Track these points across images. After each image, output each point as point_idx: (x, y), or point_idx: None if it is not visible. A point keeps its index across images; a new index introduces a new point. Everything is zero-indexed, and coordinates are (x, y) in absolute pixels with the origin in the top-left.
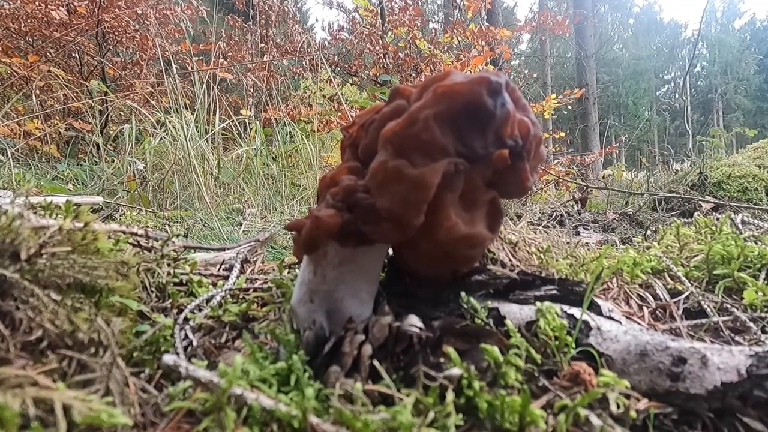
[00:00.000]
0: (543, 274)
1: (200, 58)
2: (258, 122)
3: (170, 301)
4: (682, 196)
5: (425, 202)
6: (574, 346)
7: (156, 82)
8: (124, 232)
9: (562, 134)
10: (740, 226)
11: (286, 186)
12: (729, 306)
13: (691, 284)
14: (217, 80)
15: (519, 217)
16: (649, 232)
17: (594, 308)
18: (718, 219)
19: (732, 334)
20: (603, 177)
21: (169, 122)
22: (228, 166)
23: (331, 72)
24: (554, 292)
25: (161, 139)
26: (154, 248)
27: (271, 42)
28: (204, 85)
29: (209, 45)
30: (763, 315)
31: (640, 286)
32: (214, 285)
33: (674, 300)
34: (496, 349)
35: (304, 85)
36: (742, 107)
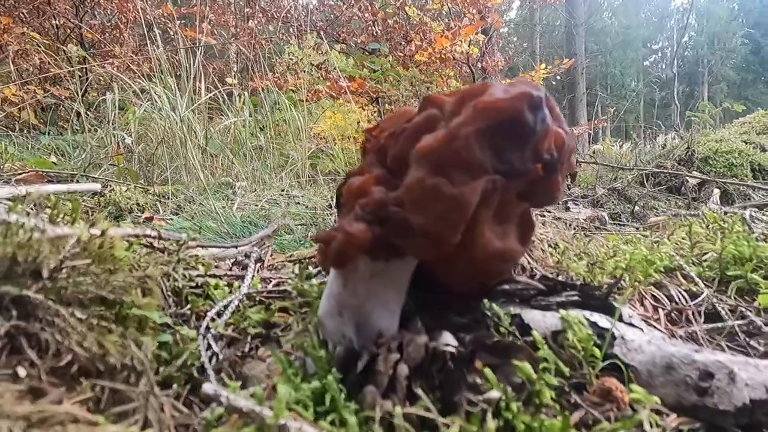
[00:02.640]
0: (561, 278)
1: (182, 22)
2: (246, 93)
3: (189, 307)
4: (670, 171)
5: (464, 222)
6: (601, 359)
7: (137, 47)
8: (137, 236)
9: None
10: (750, 223)
11: (274, 157)
12: (744, 309)
13: (705, 285)
14: (202, 47)
15: None
16: (637, 208)
17: (612, 313)
18: (726, 214)
19: (747, 339)
20: (593, 152)
21: (154, 92)
22: (215, 138)
23: (318, 39)
24: (575, 297)
25: (145, 109)
26: (167, 249)
27: (257, 6)
28: (188, 51)
29: (192, 8)
30: None
31: (654, 285)
32: (230, 287)
33: (691, 303)
34: (528, 366)
35: (289, 50)
36: (727, 78)
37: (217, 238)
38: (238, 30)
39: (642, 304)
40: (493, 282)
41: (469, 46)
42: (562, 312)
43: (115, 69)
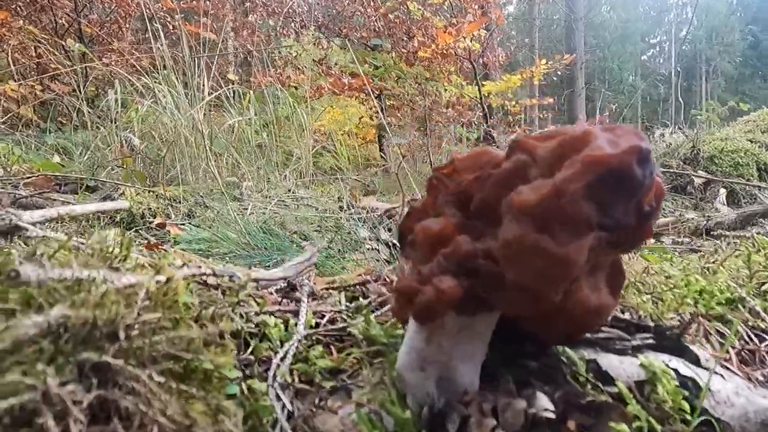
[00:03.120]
0: (628, 315)
1: (182, 16)
2: (251, 92)
3: (252, 353)
4: (676, 171)
5: (569, 281)
6: (694, 414)
7: (135, 41)
8: (194, 275)
9: (550, 100)
10: None
11: (278, 155)
12: None
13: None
14: (208, 43)
15: None
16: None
17: (689, 356)
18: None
19: None
20: None
21: (158, 91)
22: (221, 137)
23: (321, 34)
24: (650, 341)
25: (148, 107)
26: (221, 286)
27: (257, 0)
28: (190, 48)
29: (192, 3)
30: None
31: (718, 320)
32: (286, 324)
33: (765, 344)
34: (625, 428)
35: (287, 43)
36: (725, 73)
37: (237, 249)
38: (237, 24)
39: (708, 341)
40: (579, 336)
41: (471, 42)
42: (642, 358)
43: (114, 63)
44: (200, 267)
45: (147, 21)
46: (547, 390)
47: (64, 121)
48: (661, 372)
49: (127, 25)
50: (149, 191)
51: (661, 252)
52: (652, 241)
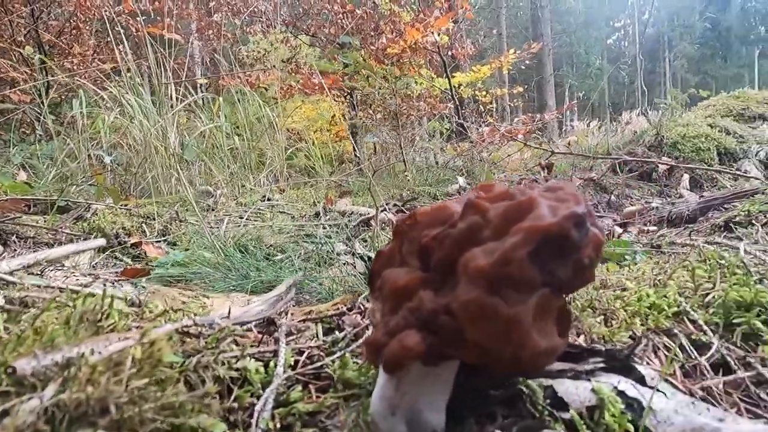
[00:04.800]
0: (583, 339)
1: (144, 18)
2: (220, 98)
3: (235, 400)
4: (642, 159)
5: (519, 337)
6: None
7: (96, 44)
8: (177, 330)
9: (521, 89)
10: (750, 265)
11: (251, 159)
12: (752, 361)
13: (713, 333)
14: (174, 46)
15: None
16: (613, 198)
17: (636, 376)
18: (720, 246)
19: (757, 390)
20: (568, 144)
21: (125, 100)
22: (192, 145)
23: (289, 33)
24: (601, 364)
25: (116, 116)
26: (202, 334)
27: (222, 1)
28: (155, 52)
29: (154, 4)
30: None
31: (665, 334)
32: (266, 366)
33: (704, 357)
34: None
35: (255, 39)
36: (686, 54)
37: (214, 271)
38: (202, 24)
39: (656, 356)
40: (533, 375)
41: (439, 36)
42: (594, 384)
43: (76, 68)
44: (181, 319)
45: (107, 24)
46: (505, 423)
47: (27, 131)
48: (608, 396)
49: (88, 28)
50: (123, 208)
51: (625, 246)
52: (620, 231)
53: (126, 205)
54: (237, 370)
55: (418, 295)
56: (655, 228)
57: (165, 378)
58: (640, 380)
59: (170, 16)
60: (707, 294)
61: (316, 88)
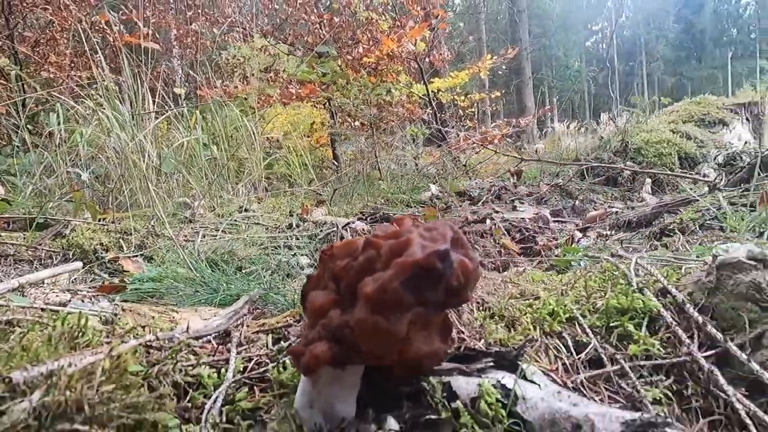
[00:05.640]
0: (482, 343)
1: (119, 28)
2: (197, 112)
3: (189, 401)
4: (606, 165)
5: (398, 346)
6: (506, 418)
7: (73, 53)
8: (142, 344)
9: (498, 93)
10: (633, 275)
11: (230, 170)
12: (618, 357)
13: (594, 335)
14: (152, 56)
15: (462, 194)
16: (577, 202)
17: (519, 372)
18: (621, 258)
19: (620, 382)
20: (536, 151)
21: (102, 113)
22: (169, 157)
23: (267, 42)
24: (491, 363)
25: (93, 129)
26: (164, 347)
27: (199, 11)
28: (131, 61)
29: (131, 15)
30: (641, 363)
31: (557, 336)
32: (218, 372)
33: (579, 354)
34: None
35: (236, 45)
36: (662, 56)
37: (185, 287)
38: (181, 32)
39: (546, 355)
40: (423, 373)
41: (415, 45)
42: (482, 379)
43: (53, 75)
44: (145, 336)
45: (82, 36)
46: (401, 412)
47: (4, 143)
48: (487, 389)
49: (65, 38)
50: (101, 224)
51: (575, 253)
52: (580, 235)
53: (104, 219)
54: (193, 376)
55: (329, 313)
56: (612, 232)
57: (130, 384)
58: (522, 376)
59: (148, 25)
60: (598, 301)
61: (293, 97)
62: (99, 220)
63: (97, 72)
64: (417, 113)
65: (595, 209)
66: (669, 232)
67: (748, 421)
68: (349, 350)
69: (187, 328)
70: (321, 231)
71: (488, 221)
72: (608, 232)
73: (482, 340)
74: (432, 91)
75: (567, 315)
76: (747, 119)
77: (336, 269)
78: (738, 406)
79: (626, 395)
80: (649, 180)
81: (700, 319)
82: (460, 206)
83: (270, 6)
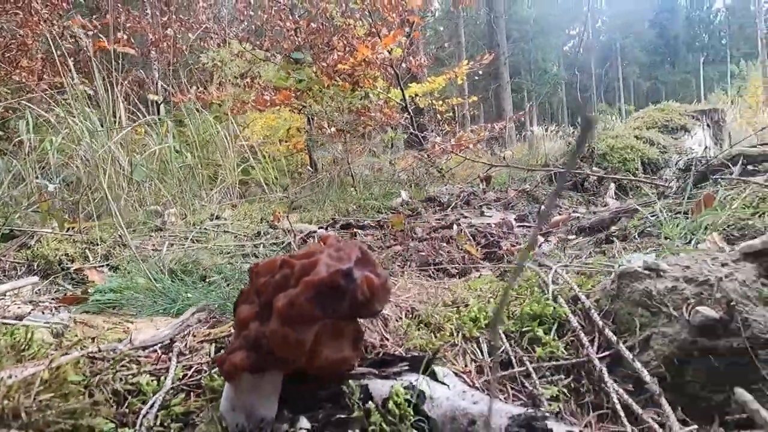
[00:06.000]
0: (403, 349)
1: (94, 33)
2: (168, 119)
3: (127, 407)
4: (572, 170)
5: (305, 352)
6: (413, 415)
7: (45, 59)
8: (84, 356)
9: (475, 98)
10: (550, 283)
11: (204, 177)
12: (525, 359)
13: (508, 339)
14: (130, 61)
15: (432, 200)
16: (543, 208)
17: (431, 374)
18: (542, 267)
19: (524, 381)
20: (503, 157)
21: (72, 122)
22: (141, 165)
23: (243, 48)
24: (407, 367)
25: (63, 137)
26: (106, 358)
27: (173, 17)
28: (101, 71)
29: (105, 21)
30: (545, 364)
31: (475, 341)
32: (158, 380)
33: (491, 358)
34: None
35: (213, 50)
36: (637, 60)
37: (144, 296)
38: (156, 37)
39: (463, 358)
40: (338, 378)
41: (390, 53)
42: (395, 381)
43: (24, 79)
44: (88, 347)
45: (50, 43)
46: (316, 413)
47: None
48: (397, 389)
49: (35, 44)
50: (68, 234)
51: (529, 258)
52: (542, 240)
53: (72, 229)
54: (133, 384)
55: (250, 325)
56: (573, 236)
57: (69, 392)
58: (434, 378)
59: (122, 30)
60: (516, 308)
61: (267, 104)
62: (66, 230)
63: (67, 79)
64: (395, 118)
65: (560, 214)
66: (614, 238)
67: (621, 411)
68: (265, 358)
69: (130, 339)
70: (287, 239)
71: (455, 227)
72: (569, 237)
73: (402, 347)
74: (409, 96)
75: (486, 321)
76: (708, 125)
77: (258, 285)
78: (614, 397)
79: (528, 393)
80: (613, 185)
81: (601, 323)
82: (428, 212)
83: (245, 13)
